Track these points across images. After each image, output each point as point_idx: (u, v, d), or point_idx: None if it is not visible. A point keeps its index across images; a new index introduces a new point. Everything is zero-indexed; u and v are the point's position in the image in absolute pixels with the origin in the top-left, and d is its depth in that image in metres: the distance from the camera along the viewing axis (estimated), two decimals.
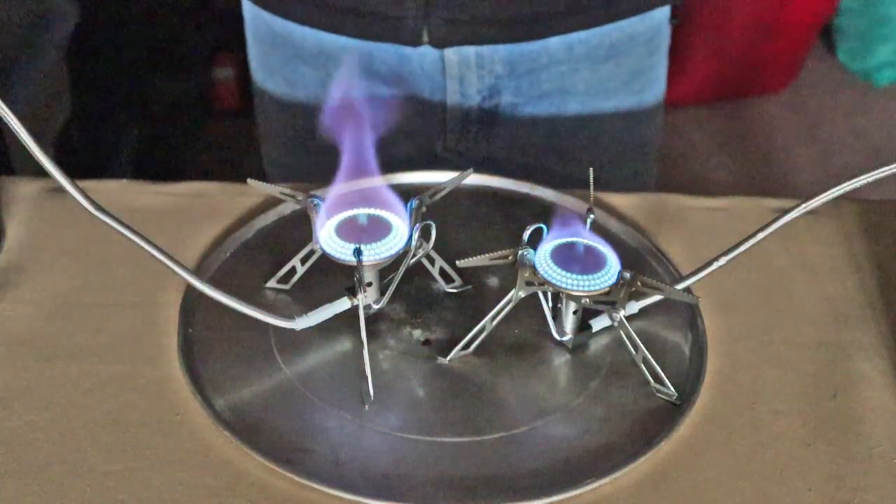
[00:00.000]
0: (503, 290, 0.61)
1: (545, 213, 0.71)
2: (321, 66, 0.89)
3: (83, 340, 0.63)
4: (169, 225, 0.72)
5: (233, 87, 2.08)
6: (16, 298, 0.66)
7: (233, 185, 0.76)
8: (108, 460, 0.55)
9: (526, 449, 0.57)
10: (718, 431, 0.58)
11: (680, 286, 0.63)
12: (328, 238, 0.61)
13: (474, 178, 0.75)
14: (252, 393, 0.59)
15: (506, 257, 0.59)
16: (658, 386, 0.60)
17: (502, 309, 0.61)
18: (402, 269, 0.63)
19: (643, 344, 0.60)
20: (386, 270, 0.63)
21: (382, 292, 0.63)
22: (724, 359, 0.63)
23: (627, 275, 0.58)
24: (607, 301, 0.59)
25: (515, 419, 0.58)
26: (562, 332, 0.62)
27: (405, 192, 0.64)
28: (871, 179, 0.58)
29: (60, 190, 0.54)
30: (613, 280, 0.58)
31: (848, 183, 0.59)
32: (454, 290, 0.67)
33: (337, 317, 0.61)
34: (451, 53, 0.85)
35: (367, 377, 0.58)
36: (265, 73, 0.95)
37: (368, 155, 0.63)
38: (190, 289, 0.64)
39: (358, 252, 0.59)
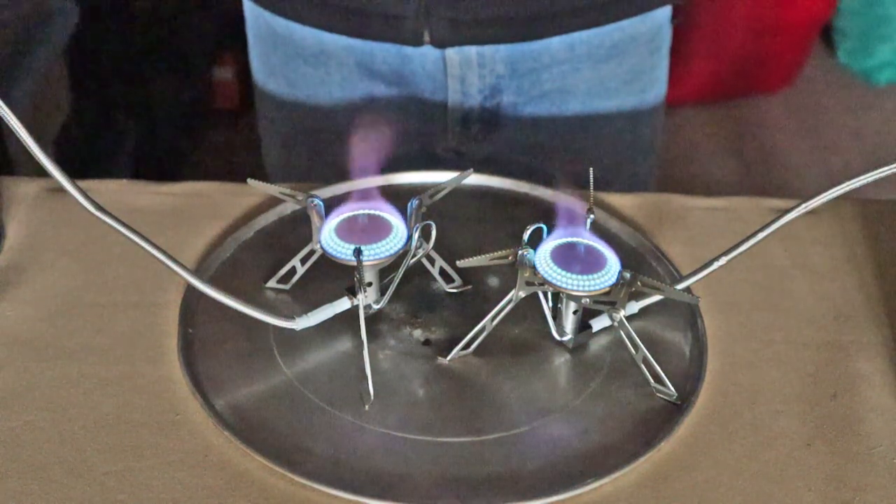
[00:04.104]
0: (503, 290, 0.61)
1: (545, 213, 0.71)
2: (322, 65, 0.89)
3: (83, 340, 0.63)
4: (169, 225, 0.72)
5: (233, 87, 2.08)
6: (16, 298, 0.66)
7: (233, 185, 0.76)
8: (108, 460, 0.55)
9: (526, 449, 0.57)
10: (718, 431, 0.58)
11: (680, 286, 0.63)
12: (328, 238, 0.61)
13: (474, 178, 0.75)
14: (252, 393, 0.59)
15: (506, 257, 0.60)
16: (658, 386, 0.60)
17: (502, 309, 0.61)
18: (402, 269, 0.63)
19: (643, 344, 0.60)
20: (386, 270, 0.63)
21: (382, 292, 0.63)
22: (724, 359, 0.63)
23: (627, 275, 0.58)
24: (607, 301, 0.59)
25: (515, 419, 0.58)
26: (562, 332, 0.62)
27: (405, 192, 0.64)
28: (871, 179, 0.58)
29: (60, 190, 0.54)
30: (613, 280, 0.58)
31: (848, 183, 0.59)
32: (454, 290, 0.67)
33: (337, 317, 0.61)
34: (452, 53, 0.85)
35: (367, 377, 0.58)
36: (266, 72, 0.95)
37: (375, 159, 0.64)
38: (190, 289, 0.64)
39: (358, 252, 0.59)
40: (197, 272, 0.66)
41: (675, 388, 0.59)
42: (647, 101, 0.94)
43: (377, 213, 0.62)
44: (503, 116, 0.90)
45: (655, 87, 0.94)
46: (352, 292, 0.61)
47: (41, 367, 0.61)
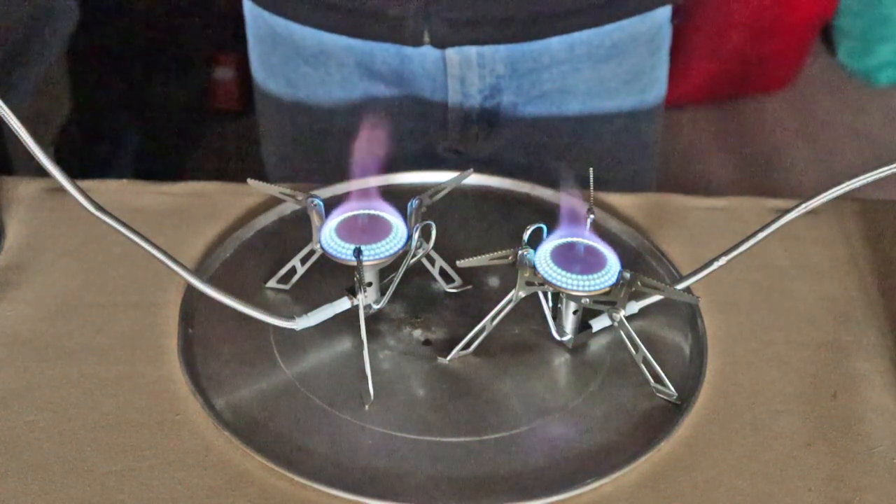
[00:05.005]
0: (503, 290, 0.61)
1: (545, 213, 0.71)
2: (322, 65, 0.89)
3: (83, 340, 0.63)
4: (169, 225, 0.72)
5: (233, 87, 2.08)
6: (16, 298, 0.66)
7: (233, 185, 0.76)
8: (108, 460, 0.55)
9: (526, 449, 0.57)
10: (718, 431, 0.58)
11: (680, 286, 0.63)
12: (328, 238, 0.61)
13: (474, 178, 0.75)
14: (252, 393, 0.59)
15: (506, 257, 0.60)
16: (658, 386, 0.60)
17: (502, 309, 0.61)
18: (402, 269, 0.63)
19: (643, 344, 0.60)
20: (386, 270, 0.63)
21: (382, 292, 0.63)
22: (724, 359, 0.63)
23: (627, 275, 0.58)
24: (607, 301, 0.59)
25: (515, 419, 0.58)
26: (562, 332, 0.62)
27: (405, 192, 0.64)
28: (871, 179, 0.58)
29: (60, 190, 0.54)
30: (613, 280, 0.58)
31: (848, 183, 0.59)
32: (454, 290, 0.67)
33: (337, 317, 0.61)
34: (452, 53, 0.85)
35: (367, 377, 0.58)
36: (266, 72, 0.95)
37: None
38: (190, 289, 0.64)
39: (358, 252, 0.59)
40: (197, 272, 0.66)
41: (675, 388, 0.59)
42: (647, 101, 0.94)
43: (377, 213, 0.62)
44: (503, 116, 0.90)
45: (655, 87, 0.94)
46: (352, 292, 0.61)
47: (41, 367, 0.61)
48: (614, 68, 0.89)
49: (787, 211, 0.60)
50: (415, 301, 0.66)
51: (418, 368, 0.61)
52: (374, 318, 0.64)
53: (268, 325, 0.60)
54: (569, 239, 0.60)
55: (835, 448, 0.57)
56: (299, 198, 0.64)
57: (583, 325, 0.62)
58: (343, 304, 0.61)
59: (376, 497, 0.53)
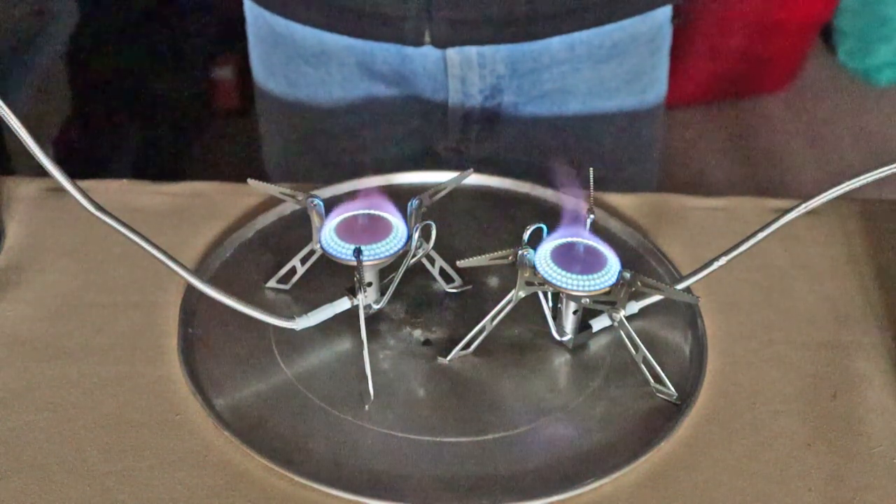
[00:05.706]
0: (503, 290, 0.61)
1: (545, 213, 0.71)
2: (322, 65, 0.89)
3: (83, 340, 0.63)
4: (169, 225, 0.72)
5: (233, 87, 2.08)
6: (16, 298, 0.66)
7: (233, 185, 0.76)
8: (108, 460, 0.55)
9: (526, 449, 0.57)
10: (718, 431, 0.58)
11: (680, 286, 0.63)
12: (328, 238, 0.61)
13: (474, 178, 0.75)
14: (252, 393, 0.59)
15: (506, 257, 0.60)
16: (658, 386, 0.60)
17: (502, 309, 0.61)
18: (402, 269, 0.63)
19: (643, 344, 0.60)
20: (386, 270, 0.63)
21: (382, 292, 0.63)
22: (724, 359, 0.63)
23: (627, 275, 0.58)
24: (607, 301, 0.59)
25: (515, 419, 0.58)
26: (562, 332, 0.62)
27: (405, 192, 0.64)
28: (871, 179, 0.58)
29: (60, 190, 0.54)
30: (613, 280, 0.58)
31: (848, 183, 0.59)
32: (454, 290, 0.67)
33: (337, 317, 0.61)
34: (452, 53, 0.85)
35: (367, 377, 0.58)
36: (266, 72, 0.95)
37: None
38: (190, 289, 0.64)
39: (358, 252, 0.59)
40: (197, 272, 0.66)
41: (675, 388, 0.59)
42: (647, 101, 0.94)
43: (377, 213, 0.62)
44: (503, 116, 0.90)
45: (656, 87, 0.94)
46: (352, 292, 0.61)
47: (41, 367, 0.61)
48: (615, 68, 0.89)
49: (787, 211, 0.60)
50: (415, 301, 0.66)
51: (418, 368, 0.61)
52: (374, 318, 0.64)
53: (268, 325, 0.60)
54: (569, 239, 0.60)
55: (835, 448, 0.57)
56: (299, 198, 0.64)
57: (583, 325, 0.62)
58: (343, 304, 0.61)
59: (376, 497, 0.53)
